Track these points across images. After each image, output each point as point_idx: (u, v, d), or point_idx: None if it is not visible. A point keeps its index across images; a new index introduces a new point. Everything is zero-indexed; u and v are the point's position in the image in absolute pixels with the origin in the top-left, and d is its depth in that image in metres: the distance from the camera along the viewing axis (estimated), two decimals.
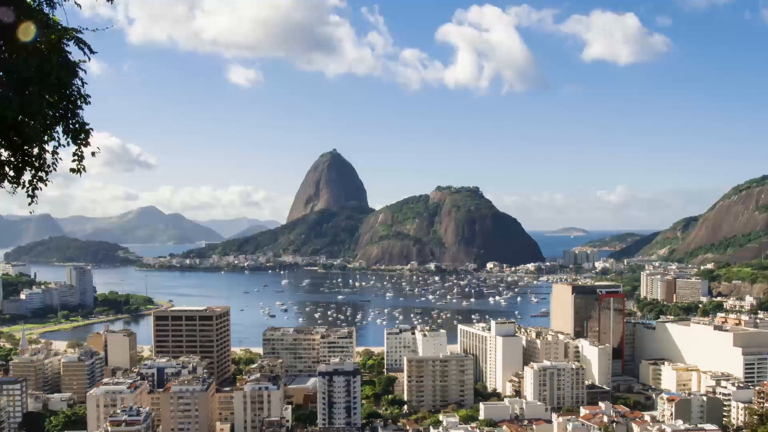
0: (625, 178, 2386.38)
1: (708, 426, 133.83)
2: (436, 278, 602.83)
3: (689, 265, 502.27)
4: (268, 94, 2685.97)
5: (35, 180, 9.45)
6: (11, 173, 9.32)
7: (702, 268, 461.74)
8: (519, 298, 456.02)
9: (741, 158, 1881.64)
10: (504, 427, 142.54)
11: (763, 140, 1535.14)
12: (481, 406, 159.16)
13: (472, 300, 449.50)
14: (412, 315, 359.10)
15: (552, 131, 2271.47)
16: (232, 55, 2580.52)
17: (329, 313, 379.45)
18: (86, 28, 9.39)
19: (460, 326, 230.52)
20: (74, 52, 9.21)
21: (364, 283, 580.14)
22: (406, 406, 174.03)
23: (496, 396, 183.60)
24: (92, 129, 9.59)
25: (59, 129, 9.39)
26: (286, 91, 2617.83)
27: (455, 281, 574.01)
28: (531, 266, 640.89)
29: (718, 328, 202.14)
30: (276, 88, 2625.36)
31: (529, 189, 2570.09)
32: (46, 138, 9.29)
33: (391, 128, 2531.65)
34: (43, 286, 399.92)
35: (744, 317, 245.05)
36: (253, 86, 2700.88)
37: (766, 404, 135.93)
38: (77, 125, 9.45)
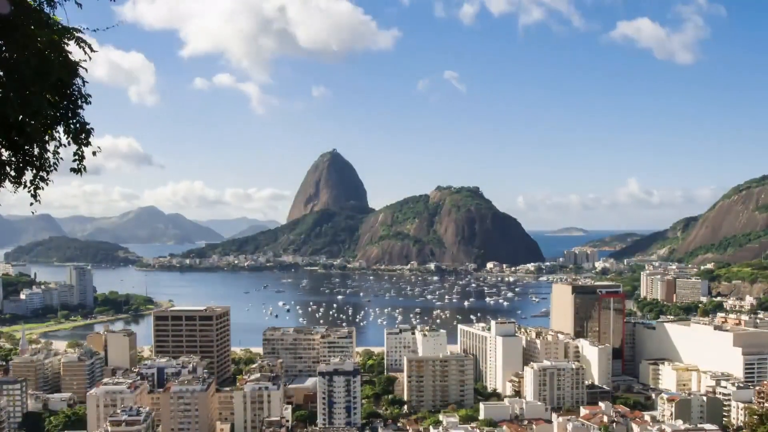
0: (625, 178, 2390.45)
1: (708, 426, 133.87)
2: (436, 278, 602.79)
3: (689, 265, 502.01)
4: (268, 93, 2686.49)
5: (37, 180, 9.43)
6: (12, 173, 9.30)
7: (702, 268, 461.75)
8: (519, 298, 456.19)
9: (741, 158, 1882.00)
10: (504, 427, 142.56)
11: (763, 140, 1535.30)
12: (481, 406, 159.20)
13: (472, 300, 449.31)
14: (411, 315, 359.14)
15: (552, 130, 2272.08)
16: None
17: (329, 313, 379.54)
18: (87, 28, 9.37)
19: (460, 326, 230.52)
20: (75, 52, 9.20)
21: (364, 283, 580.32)
22: (406, 406, 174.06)
23: (496, 396, 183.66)
24: (93, 129, 9.56)
25: (60, 129, 9.37)
26: (287, 89, 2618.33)
27: (455, 281, 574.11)
28: (531, 266, 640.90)
29: (718, 328, 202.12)
30: (276, 86, 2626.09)
31: (529, 189, 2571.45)
32: (47, 138, 9.27)
33: (391, 128, 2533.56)
34: (43, 286, 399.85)
35: (744, 317, 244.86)
36: (252, 85, 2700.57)
37: (766, 404, 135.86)
38: (78, 125, 9.42)
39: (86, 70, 9.26)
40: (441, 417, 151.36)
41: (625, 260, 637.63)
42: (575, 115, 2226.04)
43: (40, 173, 9.40)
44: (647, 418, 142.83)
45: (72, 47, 9.12)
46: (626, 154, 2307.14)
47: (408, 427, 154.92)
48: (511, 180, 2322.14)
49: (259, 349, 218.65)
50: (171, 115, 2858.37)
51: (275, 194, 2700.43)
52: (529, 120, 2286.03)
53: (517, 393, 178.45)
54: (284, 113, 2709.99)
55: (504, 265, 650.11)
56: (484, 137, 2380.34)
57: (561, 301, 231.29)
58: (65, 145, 9.45)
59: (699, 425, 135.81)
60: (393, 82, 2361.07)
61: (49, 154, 9.38)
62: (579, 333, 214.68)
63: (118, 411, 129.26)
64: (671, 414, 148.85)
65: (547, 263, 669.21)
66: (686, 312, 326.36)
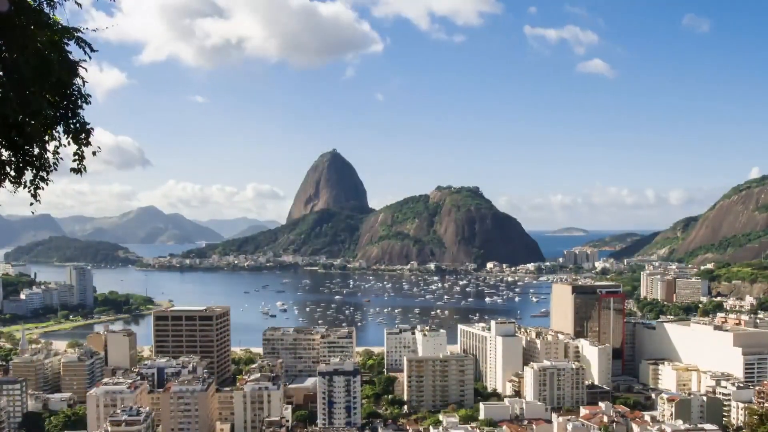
0: (625, 178, 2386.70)
1: (708, 426, 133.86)
2: (436, 278, 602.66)
3: (689, 265, 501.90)
4: (269, 93, 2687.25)
5: (37, 180, 9.42)
6: (12, 173, 9.29)
7: (702, 268, 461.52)
8: (519, 298, 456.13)
9: (741, 158, 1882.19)
10: (504, 427, 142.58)
11: (763, 140, 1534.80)
12: (481, 406, 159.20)
13: (472, 300, 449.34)
14: (411, 315, 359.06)
15: (552, 130, 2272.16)
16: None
17: (329, 313, 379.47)
18: (87, 28, 9.36)
19: (460, 326, 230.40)
20: (75, 52, 9.19)
21: (364, 283, 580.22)
22: (406, 406, 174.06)
23: (496, 396, 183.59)
24: (93, 129, 9.56)
25: (60, 129, 9.36)
26: (287, 90, 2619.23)
27: (455, 281, 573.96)
28: (531, 266, 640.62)
29: (718, 328, 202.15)
30: (276, 87, 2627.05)
31: (529, 189, 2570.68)
32: (47, 138, 9.26)
33: (390, 128, 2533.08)
34: (43, 286, 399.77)
35: (744, 317, 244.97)
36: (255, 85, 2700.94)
37: (766, 404, 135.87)
38: (78, 125, 9.41)
39: (86, 70, 9.25)
40: (441, 417, 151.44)
41: (625, 260, 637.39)
42: (573, 115, 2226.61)
43: (40, 173, 9.39)
44: (647, 418, 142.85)
45: (72, 47, 9.12)
46: (624, 154, 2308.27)
47: (408, 427, 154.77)
48: (512, 180, 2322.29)
49: (259, 349, 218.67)
50: (171, 112, 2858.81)
51: (275, 194, 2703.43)
52: (528, 119, 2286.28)
53: (517, 393, 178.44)
54: (284, 113, 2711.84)
55: (504, 265, 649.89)
56: (484, 137, 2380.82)
57: (561, 301, 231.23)
58: (65, 145, 9.45)
59: (699, 425, 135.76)
60: (391, 82, 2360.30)
61: (49, 154, 9.37)
62: (579, 333, 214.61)
63: (118, 411, 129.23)
64: (671, 414, 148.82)
65: (547, 263, 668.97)
66: (686, 312, 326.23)
